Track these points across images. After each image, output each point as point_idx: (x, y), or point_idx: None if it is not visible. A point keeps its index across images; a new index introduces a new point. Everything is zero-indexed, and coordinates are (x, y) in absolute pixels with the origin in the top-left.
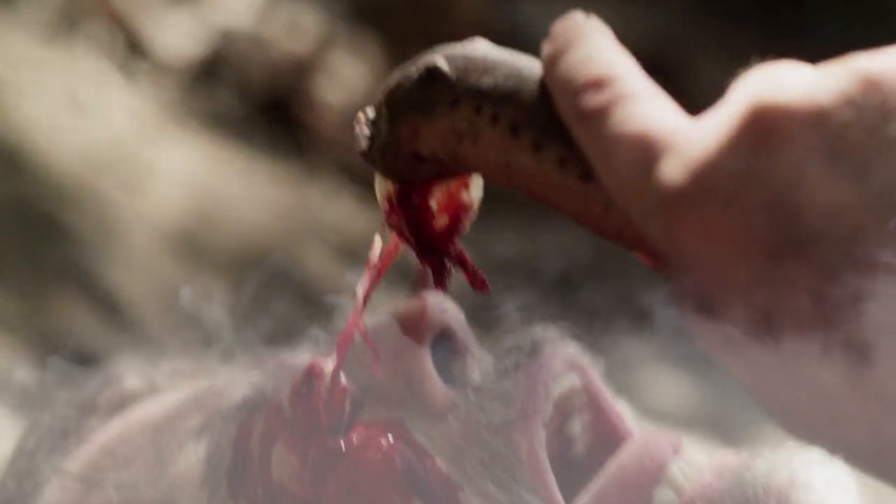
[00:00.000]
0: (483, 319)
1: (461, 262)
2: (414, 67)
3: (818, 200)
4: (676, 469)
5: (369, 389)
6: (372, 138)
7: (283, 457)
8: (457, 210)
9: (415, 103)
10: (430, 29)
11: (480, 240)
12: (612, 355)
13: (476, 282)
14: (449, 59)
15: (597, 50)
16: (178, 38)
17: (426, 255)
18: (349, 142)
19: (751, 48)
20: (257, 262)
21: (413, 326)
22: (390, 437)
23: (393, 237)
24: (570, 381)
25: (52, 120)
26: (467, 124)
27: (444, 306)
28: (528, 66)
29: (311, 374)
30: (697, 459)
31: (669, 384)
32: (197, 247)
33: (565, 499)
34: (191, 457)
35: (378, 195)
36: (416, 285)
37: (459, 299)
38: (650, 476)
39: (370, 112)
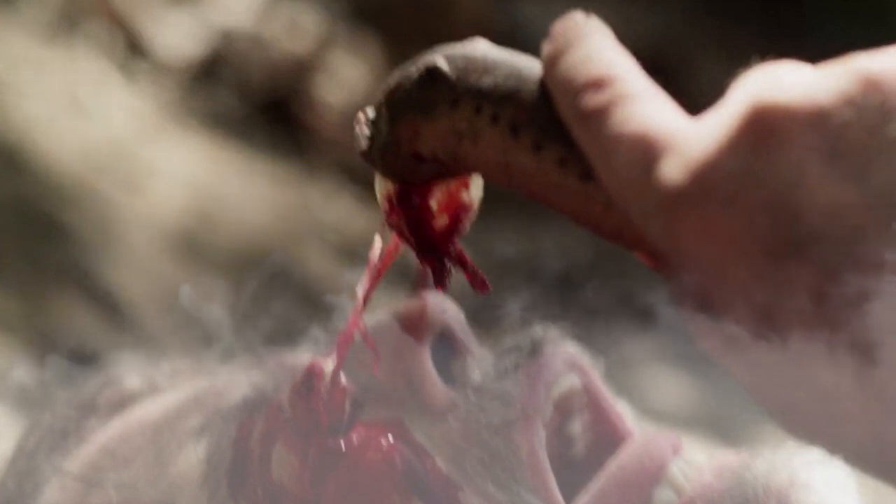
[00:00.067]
0: (483, 319)
1: (461, 262)
2: (414, 67)
3: (818, 200)
4: (676, 469)
5: (369, 389)
6: (372, 138)
7: (283, 457)
8: (457, 210)
9: (415, 103)
10: (430, 29)
11: (480, 240)
12: (612, 355)
13: (476, 282)
14: (449, 59)
15: (597, 50)
16: (178, 38)
17: (426, 255)
18: (349, 142)
19: (751, 48)
20: (257, 262)
21: (413, 326)
22: (390, 437)
23: (393, 237)
24: (570, 381)
25: (52, 120)
26: (467, 124)
27: (444, 306)
28: (528, 66)
29: (311, 374)
30: (697, 459)
31: (669, 384)
32: (197, 247)
33: (565, 499)
34: (191, 457)
35: (378, 195)
36: (416, 285)
37: (459, 299)
38: (650, 476)
39: (370, 112)
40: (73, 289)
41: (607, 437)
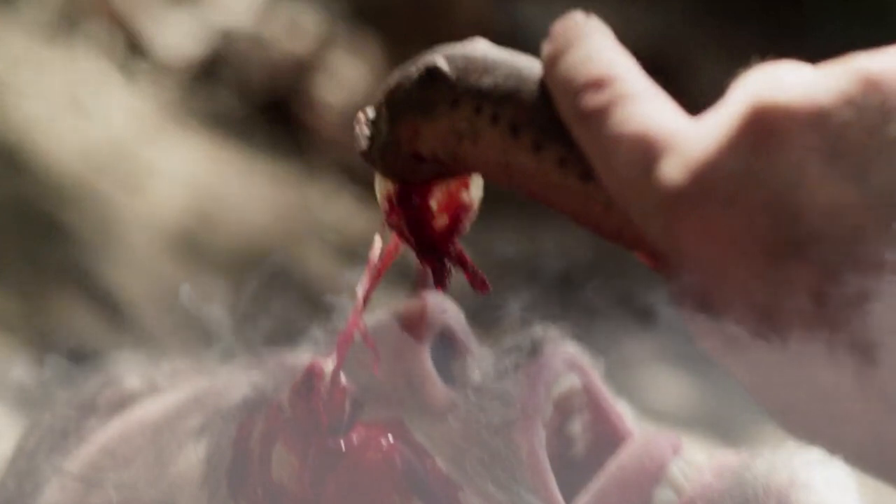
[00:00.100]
0: (483, 319)
1: (461, 262)
2: (414, 67)
3: (818, 200)
4: (676, 469)
5: (369, 389)
6: (372, 138)
7: (283, 457)
8: (457, 210)
9: (415, 103)
10: (430, 29)
11: (480, 240)
12: (612, 355)
13: (476, 282)
14: (449, 59)
15: (597, 50)
16: (178, 38)
17: (426, 255)
18: (349, 142)
19: (751, 48)
20: (257, 262)
21: (413, 326)
22: (390, 437)
23: (393, 237)
24: (570, 381)
25: (52, 120)
26: (467, 124)
27: (444, 306)
28: (528, 66)
29: (311, 374)
30: (697, 459)
31: (669, 384)
32: (197, 247)
33: (565, 499)
34: (191, 457)
35: (378, 195)
36: (416, 285)
37: (459, 299)
38: (650, 476)
39: (370, 112)
40: (73, 289)
41: (607, 437)
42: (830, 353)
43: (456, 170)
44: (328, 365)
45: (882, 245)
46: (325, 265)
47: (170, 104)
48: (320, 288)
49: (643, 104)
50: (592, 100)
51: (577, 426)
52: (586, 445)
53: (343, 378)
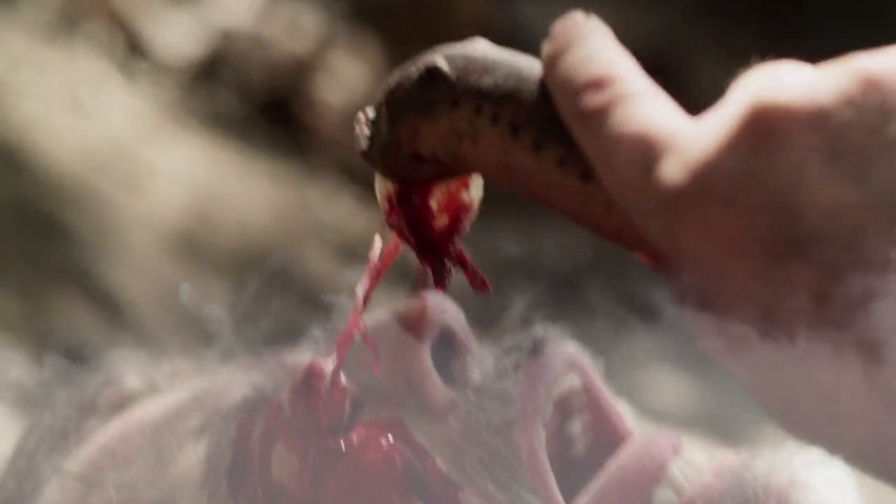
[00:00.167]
0: (483, 319)
1: (461, 262)
2: (414, 67)
3: (818, 200)
4: (676, 469)
5: (369, 389)
6: (372, 138)
7: (283, 457)
8: (457, 210)
9: (415, 103)
10: (430, 29)
11: (480, 240)
12: (612, 355)
13: (476, 282)
14: (449, 59)
15: (597, 50)
16: (178, 38)
17: (426, 255)
18: (349, 142)
19: (751, 48)
20: (257, 262)
21: (413, 326)
22: (390, 437)
23: (393, 237)
24: (570, 381)
25: (52, 120)
26: (467, 124)
27: (444, 306)
28: (528, 66)
29: (311, 374)
30: (697, 459)
31: (669, 384)
32: (197, 247)
33: (565, 499)
34: (191, 457)
35: (378, 195)
36: (416, 285)
37: (459, 299)
38: (650, 476)
39: (370, 112)
40: (73, 289)
41: (607, 437)
42: (832, 352)
43: (456, 170)
44: (328, 365)
45: (886, 244)
46: (325, 265)
47: (170, 104)
48: (320, 288)
49: (643, 104)
50: (592, 100)
51: (577, 426)
52: (586, 445)
53: (343, 378)
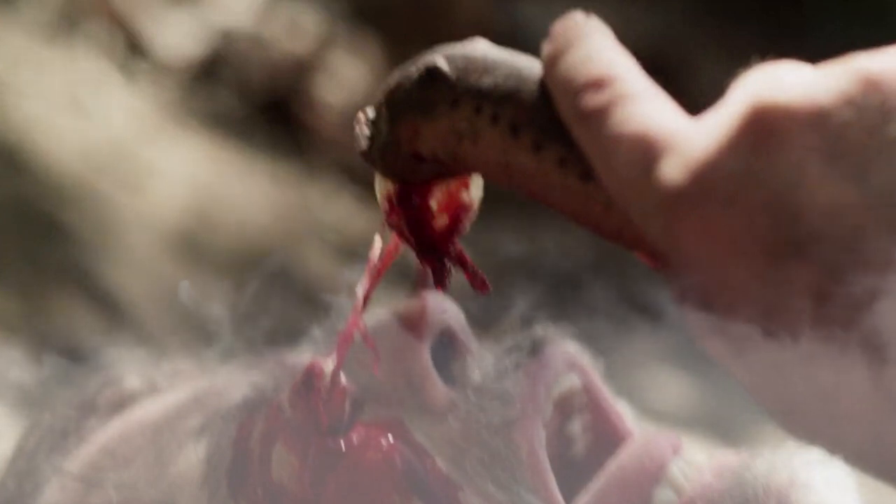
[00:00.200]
0: (483, 319)
1: (461, 262)
2: (414, 67)
3: (818, 200)
4: (676, 469)
5: (369, 389)
6: (372, 138)
7: (283, 457)
8: (457, 210)
9: (415, 103)
10: (430, 29)
11: (480, 240)
12: (612, 355)
13: (476, 282)
14: (449, 59)
15: (597, 50)
16: (178, 38)
17: (426, 255)
18: (349, 142)
19: (751, 48)
20: (257, 262)
21: (413, 326)
22: (390, 437)
23: (393, 237)
24: (570, 381)
25: (52, 120)
26: (467, 124)
27: (444, 306)
28: (528, 66)
29: (311, 374)
30: (697, 459)
31: (669, 384)
32: (197, 247)
33: (565, 499)
34: (191, 457)
35: (378, 195)
36: (416, 285)
37: (459, 299)
38: (650, 476)
39: (370, 112)
40: (73, 289)
41: (607, 437)
42: (833, 352)
43: (456, 170)
44: (328, 365)
45: (885, 244)
46: (325, 265)
47: (170, 104)
48: (320, 288)
49: (643, 104)
50: (592, 100)
51: (577, 426)
52: (586, 445)
53: (343, 378)
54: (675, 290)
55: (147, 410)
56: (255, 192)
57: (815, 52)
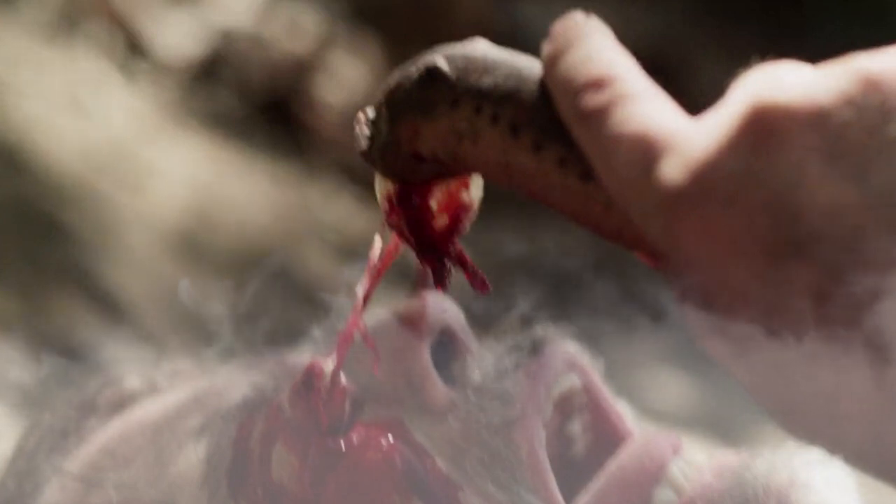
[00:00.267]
0: (483, 319)
1: (461, 262)
2: (414, 67)
3: (818, 200)
4: (676, 469)
5: (369, 389)
6: (372, 138)
7: (283, 457)
8: (457, 210)
9: (415, 103)
10: (430, 29)
11: (480, 240)
12: (612, 355)
13: (476, 282)
14: (449, 59)
15: (597, 50)
16: (178, 38)
17: (426, 255)
18: (349, 142)
19: (751, 48)
20: (257, 262)
21: (413, 326)
22: (390, 437)
23: (393, 237)
24: (570, 381)
25: (52, 120)
26: (467, 124)
27: (444, 306)
28: (528, 66)
29: (311, 374)
30: (697, 459)
31: (669, 384)
32: (197, 247)
33: (565, 499)
34: (191, 457)
35: (378, 195)
36: (416, 285)
37: (459, 299)
38: (650, 476)
39: (370, 112)
40: (73, 289)
41: (607, 437)
42: (834, 352)
43: (456, 170)
44: (328, 365)
45: (885, 244)
46: (325, 265)
47: (170, 104)
48: (320, 288)
49: (643, 104)
50: (592, 100)
51: (577, 426)
52: (586, 445)
53: (343, 378)
54: (675, 290)
55: (147, 410)
56: (255, 192)
57: (815, 52)
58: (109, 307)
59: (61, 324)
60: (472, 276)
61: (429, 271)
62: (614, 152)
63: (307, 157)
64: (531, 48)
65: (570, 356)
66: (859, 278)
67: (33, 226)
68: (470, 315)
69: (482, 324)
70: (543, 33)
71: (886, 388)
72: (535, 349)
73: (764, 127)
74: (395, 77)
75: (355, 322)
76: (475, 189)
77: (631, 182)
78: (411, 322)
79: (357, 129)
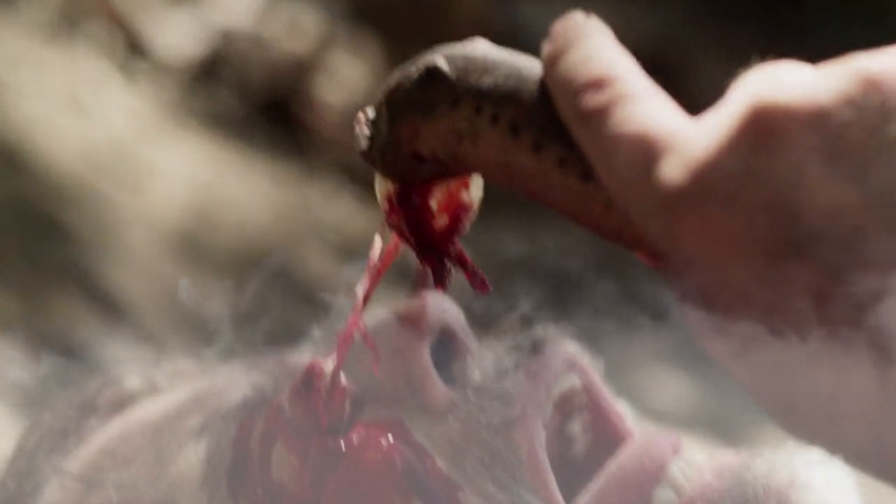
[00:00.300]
0: (483, 319)
1: (461, 262)
2: (414, 67)
3: (818, 200)
4: (676, 469)
5: (369, 389)
6: (372, 138)
7: (283, 457)
8: (457, 210)
9: (415, 103)
10: (430, 29)
11: (480, 240)
12: (612, 355)
13: (476, 282)
14: (449, 59)
15: (597, 50)
16: (178, 38)
17: (426, 255)
18: (349, 142)
19: (751, 48)
20: (257, 262)
21: (413, 326)
22: (390, 437)
23: (393, 237)
24: (570, 381)
25: (52, 120)
26: (467, 124)
27: (444, 306)
28: (528, 66)
29: (311, 374)
30: (697, 459)
31: (669, 384)
32: (197, 247)
33: (565, 499)
34: (191, 457)
35: (378, 195)
36: (416, 285)
37: (459, 299)
38: (650, 476)
39: (370, 112)
40: (73, 289)
41: (607, 437)
42: (835, 352)
43: (456, 170)
44: (328, 365)
45: (885, 244)
46: (325, 265)
47: (170, 104)
48: (320, 288)
49: (643, 104)
50: (592, 100)
51: (577, 426)
52: (586, 445)
53: (343, 378)
54: (675, 290)
55: (147, 410)
56: (255, 192)
57: (815, 52)
58: (109, 307)
59: (61, 324)
60: (472, 276)
61: (429, 271)
62: (614, 152)
63: (307, 157)
64: (531, 48)
65: (570, 356)
66: (859, 278)
67: (33, 226)
68: (470, 315)
69: (482, 324)
70: (543, 33)
71: (890, 387)
72: (535, 349)
73: (764, 127)
74: (395, 77)
75: (355, 322)
76: (475, 189)
77: (631, 182)
78: (411, 322)
79: (357, 129)
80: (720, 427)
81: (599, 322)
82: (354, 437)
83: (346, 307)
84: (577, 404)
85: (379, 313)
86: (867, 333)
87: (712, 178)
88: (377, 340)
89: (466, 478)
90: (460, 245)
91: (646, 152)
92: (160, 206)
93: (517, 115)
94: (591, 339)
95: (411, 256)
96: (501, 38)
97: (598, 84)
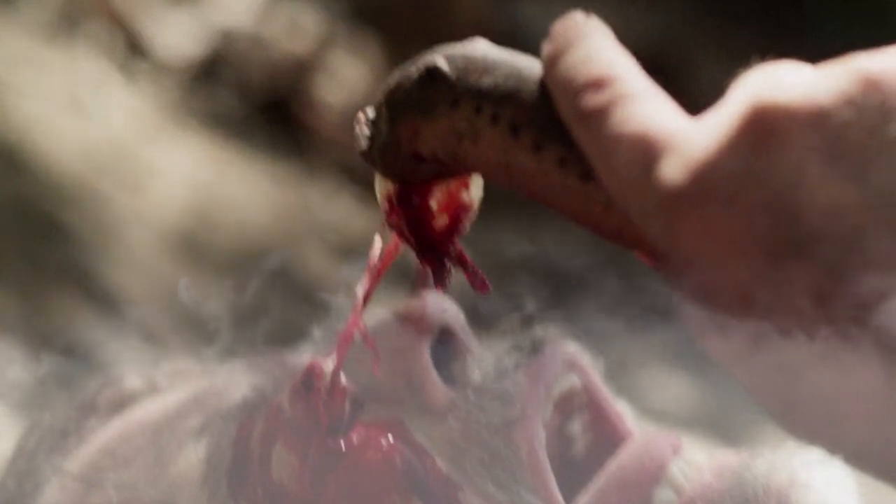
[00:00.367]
0: (483, 319)
1: (461, 262)
2: (414, 67)
3: (818, 200)
4: (676, 469)
5: (369, 389)
6: (372, 138)
7: (283, 457)
8: (457, 210)
9: (415, 103)
10: (430, 29)
11: (480, 240)
12: (612, 355)
13: (476, 282)
14: (449, 59)
15: (597, 50)
16: (178, 38)
17: (426, 255)
18: (349, 142)
19: (751, 48)
20: (257, 262)
21: (413, 326)
22: (390, 437)
23: (393, 237)
24: (570, 381)
25: (52, 120)
26: (467, 124)
27: (444, 306)
28: (528, 66)
29: (311, 374)
30: (697, 459)
31: (669, 384)
32: (197, 247)
33: (565, 499)
34: (191, 457)
35: (378, 195)
36: (416, 285)
37: (459, 299)
38: (650, 476)
39: (370, 112)
40: (73, 289)
41: (607, 437)
42: (835, 352)
43: (456, 170)
44: (328, 365)
45: (885, 244)
46: (325, 265)
47: (170, 104)
48: (320, 288)
49: (643, 104)
50: (592, 100)
51: (577, 426)
52: (586, 445)
53: (343, 378)
54: (675, 290)
55: (147, 410)
56: (255, 192)
57: (815, 52)
58: (109, 307)
59: (61, 324)
60: (472, 276)
61: (429, 271)
62: (614, 152)
63: (307, 157)
64: (531, 48)
65: (570, 356)
66: (860, 278)
67: (33, 226)
68: (470, 315)
69: (482, 324)
70: (543, 33)
71: (894, 386)
72: (535, 349)
73: (764, 127)
74: (395, 77)
75: (355, 322)
76: (475, 189)
77: (631, 182)
78: (411, 322)
79: (357, 129)
80: (720, 427)
81: (599, 322)
82: (354, 437)
83: (346, 307)
84: (577, 404)
85: (379, 313)
86: (868, 333)
87: (712, 178)
88: (377, 340)
89: (466, 478)
90: (460, 245)
91: (646, 152)
92: (160, 205)
93: (517, 115)
94: (591, 339)
95: (411, 256)
96: (501, 38)
97: (598, 84)
